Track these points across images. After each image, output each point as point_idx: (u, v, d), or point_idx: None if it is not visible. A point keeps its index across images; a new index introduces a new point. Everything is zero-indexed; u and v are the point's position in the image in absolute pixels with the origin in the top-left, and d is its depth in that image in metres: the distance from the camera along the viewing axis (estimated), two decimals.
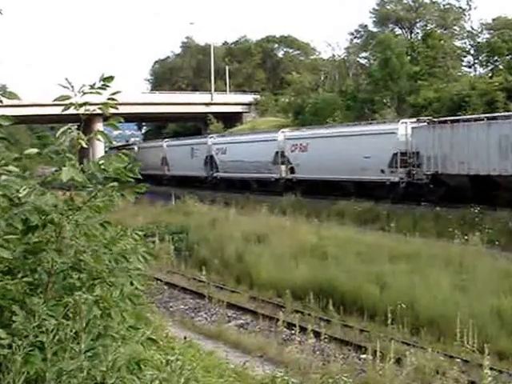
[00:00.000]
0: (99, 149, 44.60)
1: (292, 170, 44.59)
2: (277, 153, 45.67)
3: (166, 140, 67.86)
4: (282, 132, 47.40)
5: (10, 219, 3.62)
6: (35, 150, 3.81)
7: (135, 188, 3.97)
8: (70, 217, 3.68)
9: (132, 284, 3.87)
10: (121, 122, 4.07)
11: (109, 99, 3.84)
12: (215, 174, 53.97)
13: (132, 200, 4.00)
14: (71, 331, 3.38)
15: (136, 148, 72.16)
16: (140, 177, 3.96)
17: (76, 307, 3.49)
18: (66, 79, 3.73)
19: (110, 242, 3.88)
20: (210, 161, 54.75)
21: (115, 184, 3.83)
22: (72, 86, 3.70)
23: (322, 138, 42.32)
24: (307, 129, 48.49)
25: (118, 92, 3.85)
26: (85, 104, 3.77)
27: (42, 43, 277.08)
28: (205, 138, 59.01)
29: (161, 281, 21.23)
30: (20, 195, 3.61)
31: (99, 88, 3.80)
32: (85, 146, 3.75)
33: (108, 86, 3.81)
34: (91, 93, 3.77)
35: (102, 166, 3.78)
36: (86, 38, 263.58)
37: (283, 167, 45.11)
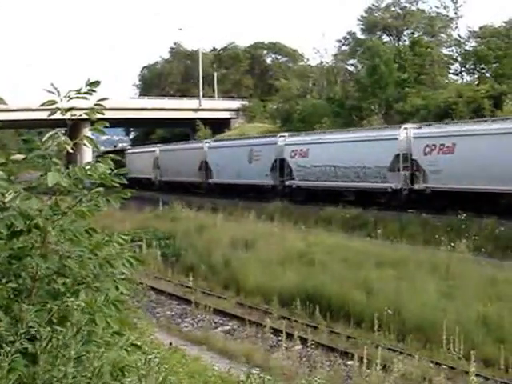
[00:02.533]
0: (87, 154, 44.57)
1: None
2: (397, 156, 34.91)
3: (207, 140, 57.64)
4: (405, 129, 35.96)
5: None
6: (21, 156, 3.80)
7: (120, 193, 3.96)
8: (55, 222, 3.67)
9: (117, 289, 3.86)
10: (107, 127, 4.05)
11: (96, 105, 3.84)
12: (289, 182, 42.73)
13: (117, 206, 3.99)
14: (64, 338, 3.38)
15: (157, 151, 64.18)
16: (126, 182, 3.95)
17: (61, 313, 3.48)
18: (52, 84, 3.73)
19: (95, 247, 3.86)
20: (280, 165, 43.54)
21: (101, 189, 3.82)
22: (58, 91, 3.70)
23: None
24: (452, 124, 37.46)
25: (105, 99, 3.84)
26: (71, 109, 3.76)
27: (31, 48, 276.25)
28: (273, 137, 47.22)
29: (147, 286, 21.16)
30: (5, 200, 3.59)
31: (85, 93, 3.79)
32: (70, 150, 3.74)
33: (94, 91, 3.81)
34: (77, 98, 3.76)
35: (88, 172, 3.77)
36: (75, 44, 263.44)
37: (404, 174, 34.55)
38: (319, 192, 39.60)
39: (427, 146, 33.15)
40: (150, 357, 3.97)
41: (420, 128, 35.80)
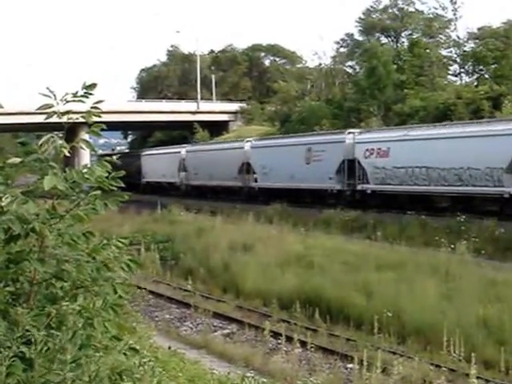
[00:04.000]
0: (85, 157, 44.57)
1: None
2: None
3: (249, 139, 49.93)
4: None
5: None
6: (18, 160, 3.77)
7: (118, 196, 3.93)
8: (53, 226, 3.64)
9: (116, 293, 3.83)
10: (104, 130, 4.02)
11: (92, 108, 3.81)
12: (361, 187, 36.62)
13: (114, 208, 3.96)
14: (60, 342, 3.35)
15: (183, 152, 58.11)
16: (123, 185, 3.92)
17: (59, 317, 3.45)
18: (48, 88, 3.70)
19: (93, 251, 3.83)
20: (348, 167, 37.46)
21: (98, 192, 3.80)
22: (54, 95, 3.67)
23: None
24: None
25: (101, 101, 3.81)
26: (68, 112, 3.74)
27: (28, 50, 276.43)
28: (340, 133, 40.45)
29: (146, 290, 21.11)
30: (2, 204, 3.57)
31: (82, 96, 3.77)
32: (67, 154, 3.71)
33: (91, 94, 3.78)
34: (74, 101, 3.73)
35: (85, 175, 3.75)
36: (72, 47, 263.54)
37: None
38: (401, 198, 34.13)
39: None
40: (144, 360, 3.93)
41: None
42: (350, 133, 38.92)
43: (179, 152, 58.57)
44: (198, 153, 55.82)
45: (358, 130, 39.89)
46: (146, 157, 66.89)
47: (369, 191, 36.27)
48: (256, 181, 46.23)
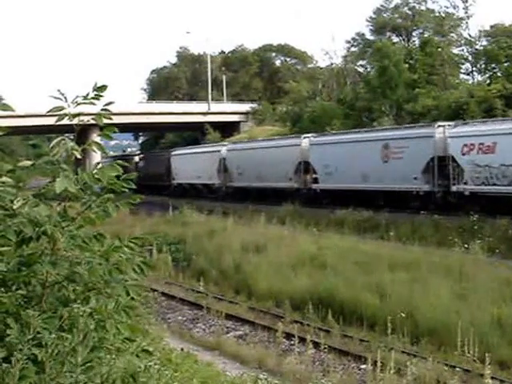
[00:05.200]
0: (96, 159, 44.71)
1: None
2: None
3: (307, 135, 44.43)
4: None
5: (3, 231, 3.59)
6: (29, 163, 3.77)
7: (130, 199, 3.92)
8: (64, 228, 3.63)
9: (128, 294, 3.81)
10: (115, 132, 4.00)
11: (102, 109, 3.79)
12: (457, 188, 31.95)
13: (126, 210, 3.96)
14: (70, 344, 3.34)
15: (223, 150, 53.39)
16: (134, 187, 3.90)
17: (72, 320, 3.44)
18: (59, 90, 3.69)
19: (105, 254, 3.82)
20: (439, 165, 32.77)
21: (111, 196, 3.79)
22: (65, 97, 3.66)
23: None
24: None
25: (111, 103, 3.79)
26: (79, 115, 3.72)
27: (41, 53, 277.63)
28: (426, 127, 35.65)
29: (158, 292, 21.13)
30: (14, 207, 3.56)
31: (93, 98, 3.75)
32: (79, 156, 3.70)
33: (101, 96, 3.78)
34: (84, 103, 3.72)
35: (96, 176, 3.73)
36: (83, 48, 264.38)
37: None
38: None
39: None
40: (150, 364, 3.91)
41: None
42: (439, 126, 33.95)
43: (219, 151, 53.75)
44: (243, 151, 50.58)
45: (449, 123, 34.62)
46: (177, 157, 62.32)
47: (467, 193, 31.25)
48: (317, 181, 41.49)
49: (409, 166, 33.85)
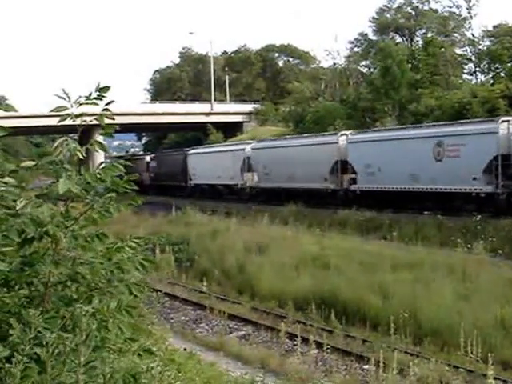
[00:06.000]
0: (99, 160, 44.74)
1: None
2: None
3: (344, 132, 41.94)
4: None
5: (6, 231, 3.60)
6: (32, 163, 3.77)
7: (131, 200, 3.93)
8: (67, 228, 3.64)
9: (131, 293, 3.82)
10: (118, 132, 4.02)
11: (104, 109, 3.80)
12: None
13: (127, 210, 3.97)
14: (71, 343, 3.34)
15: (248, 149, 49.78)
16: (137, 188, 3.90)
17: (74, 319, 3.44)
18: (63, 90, 3.69)
19: (107, 254, 3.82)
20: (503, 165, 29.85)
21: (113, 195, 3.79)
22: (68, 97, 3.67)
23: None
24: None
25: (112, 102, 3.80)
26: (81, 115, 3.73)
27: (43, 55, 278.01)
28: (488, 122, 32.29)
29: (161, 292, 21.12)
30: (17, 207, 3.57)
31: (95, 98, 3.75)
32: (81, 157, 3.70)
33: (104, 96, 3.78)
34: (87, 103, 3.72)
35: (99, 176, 3.74)
36: (87, 49, 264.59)
37: None
38: None
39: None
40: (152, 365, 3.91)
41: None
42: (504, 121, 30.80)
43: (243, 149, 50.38)
44: (271, 150, 47.00)
45: None
46: (195, 156, 59.01)
47: None
48: (356, 182, 38.42)
49: (467, 166, 30.78)
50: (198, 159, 58.10)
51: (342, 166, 39.20)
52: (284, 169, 43.39)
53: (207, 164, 54.75)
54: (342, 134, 40.81)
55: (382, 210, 33.20)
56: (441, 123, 37.11)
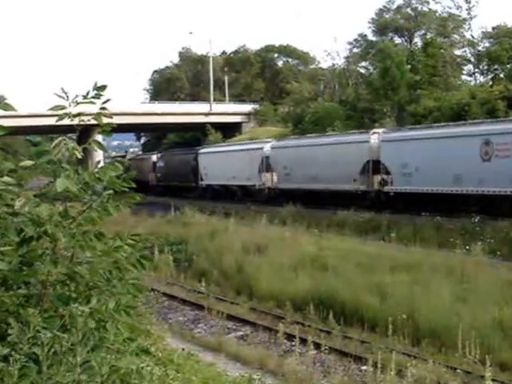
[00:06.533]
0: (98, 159, 44.65)
1: None
2: None
3: (377, 130, 39.54)
4: None
5: (5, 230, 3.61)
6: (31, 162, 3.77)
7: (128, 198, 3.93)
8: (65, 228, 3.64)
9: (129, 293, 3.81)
10: (117, 132, 4.02)
11: (101, 108, 3.80)
12: None
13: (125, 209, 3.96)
14: (67, 343, 3.34)
15: (267, 147, 47.51)
16: (135, 186, 3.90)
17: (72, 319, 3.44)
18: (62, 89, 3.69)
19: (105, 254, 3.82)
20: None
21: (110, 192, 3.79)
22: (67, 96, 3.66)
23: None
24: None
25: (109, 100, 3.79)
26: (79, 114, 3.73)
27: (43, 55, 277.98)
28: None
29: (160, 292, 21.11)
30: (15, 206, 3.56)
31: (93, 97, 3.75)
32: (79, 156, 3.70)
33: (101, 95, 3.77)
34: (84, 102, 3.72)
35: (97, 175, 3.74)
36: (86, 49, 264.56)
37: None
38: None
39: None
40: (142, 365, 3.89)
41: None
42: None
43: (261, 148, 47.71)
44: (292, 149, 44.25)
45: None
46: (206, 155, 56.36)
47: None
48: (390, 183, 35.79)
49: None
50: (210, 158, 55.45)
51: (374, 167, 36.81)
52: (307, 169, 40.95)
53: (220, 164, 52.24)
54: (373, 133, 38.41)
55: (419, 211, 31.33)
56: (488, 120, 34.91)
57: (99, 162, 4.02)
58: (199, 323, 20.00)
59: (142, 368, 3.85)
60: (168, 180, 63.51)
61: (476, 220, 27.13)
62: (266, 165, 46.74)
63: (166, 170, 65.34)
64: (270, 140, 49.97)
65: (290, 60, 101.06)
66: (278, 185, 45.36)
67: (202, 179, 56.57)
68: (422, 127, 38.78)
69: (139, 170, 68.01)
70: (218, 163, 52.45)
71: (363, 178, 37.33)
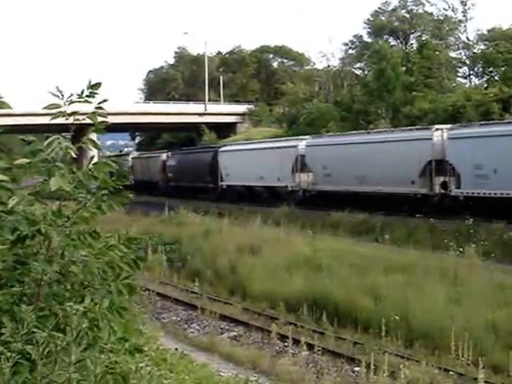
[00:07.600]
0: (93, 159, 44.54)
1: None
2: None
3: (438, 127, 34.35)
4: None
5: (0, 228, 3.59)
6: (25, 160, 3.75)
7: (122, 197, 3.92)
8: (59, 227, 3.62)
9: (122, 293, 3.80)
10: (111, 131, 4.01)
11: (96, 108, 3.78)
12: None
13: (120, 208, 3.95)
14: (62, 342, 3.32)
15: (302, 145, 43.00)
16: (128, 183, 3.89)
17: (66, 318, 3.43)
18: (57, 87, 3.67)
19: (99, 253, 3.81)
20: None
21: (106, 191, 3.78)
22: (62, 95, 3.65)
23: None
24: None
25: (105, 100, 3.79)
26: (74, 113, 3.71)
27: (38, 54, 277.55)
28: None
29: (153, 292, 21.08)
30: (9, 205, 3.55)
31: (87, 96, 3.73)
32: (74, 155, 3.68)
33: (96, 94, 3.75)
34: (79, 101, 3.70)
35: (91, 173, 3.73)
36: (81, 48, 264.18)
37: None
38: None
39: None
40: (141, 365, 3.88)
41: None
42: None
43: (295, 146, 43.26)
44: (333, 147, 39.90)
45: None
46: (228, 153, 51.75)
47: None
48: (458, 186, 31.50)
49: None
50: (232, 157, 50.55)
51: (437, 167, 32.56)
52: (352, 169, 36.56)
53: (245, 163, 47.37)
54: (436, 129, 33.64)
55: (494, 218, 27.55)
56: None
57: (93, 157, 4.01)
58: (192, 323, 19.98)
59: (141, 368, 3.85)
60: (180, 180, 58.98)
61: (470, 222, 27.12)
62: (302, 164, 42.30)
63: (179, 169, 60.24)
64: (305, 137, 44.86)
65: (285, 61, 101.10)
66: (315, 186, 41.23)
67: (222, 179, 51.84)
68: (502, 122, 34.02)
69: (146, 169, 67.39)
70: (242, 162, 47.94)
71: (424, 181, 33.17)
